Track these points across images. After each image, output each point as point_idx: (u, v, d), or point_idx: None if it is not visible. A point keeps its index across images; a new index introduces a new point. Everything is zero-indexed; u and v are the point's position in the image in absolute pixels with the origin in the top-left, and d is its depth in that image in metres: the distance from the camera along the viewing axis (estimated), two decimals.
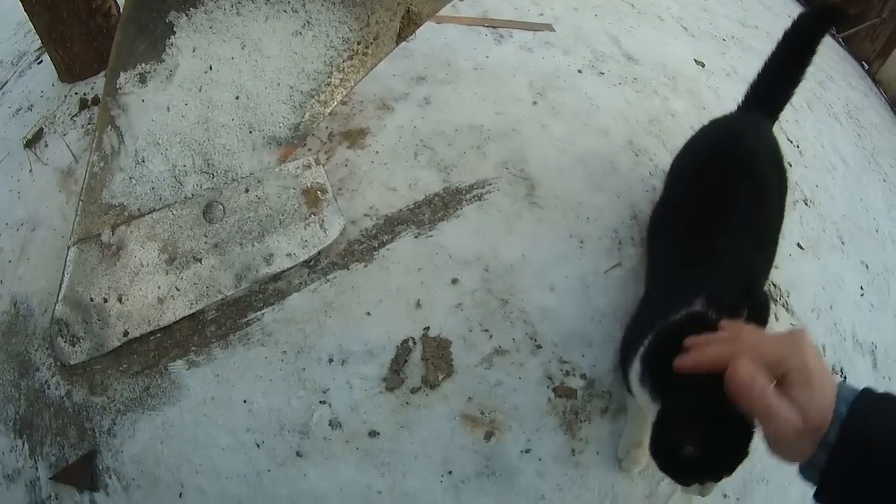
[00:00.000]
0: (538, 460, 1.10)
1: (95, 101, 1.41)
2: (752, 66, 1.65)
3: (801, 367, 0.59)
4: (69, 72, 1.43)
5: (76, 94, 1.43)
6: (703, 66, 1.54)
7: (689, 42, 1.61)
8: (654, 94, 1.41)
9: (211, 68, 1.16)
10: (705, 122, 1.32)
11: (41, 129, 1.41)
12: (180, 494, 1.11)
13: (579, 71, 1.38)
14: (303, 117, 1.15)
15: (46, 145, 1.40)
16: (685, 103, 1.42)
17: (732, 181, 1.02)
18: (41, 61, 1.55)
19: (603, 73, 1.40)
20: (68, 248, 1.21)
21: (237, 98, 1.15)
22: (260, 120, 1.15)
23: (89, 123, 1.40)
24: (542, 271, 1.16)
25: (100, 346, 1.20)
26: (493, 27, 1.40)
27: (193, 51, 1.16)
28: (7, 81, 1.60)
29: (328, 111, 1.15)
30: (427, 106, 1.26)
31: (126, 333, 1.18)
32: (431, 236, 1.14)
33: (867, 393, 0.59)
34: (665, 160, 1.34)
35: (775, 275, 1.31)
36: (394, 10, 1.19)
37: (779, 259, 1.32)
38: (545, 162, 1.24)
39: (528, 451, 1.10)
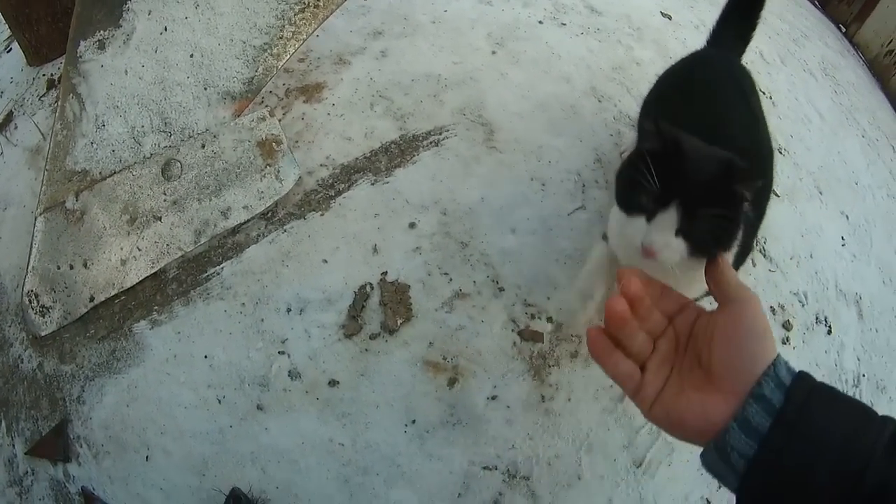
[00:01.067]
0: (506, 408, 1.06)
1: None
2: None
3: (746, 297, 0.55)
4: (37, 55, 1.46)
5: (44, 75, 1.45)
6: (669, 18, 1.51)
7: None
8: (617, 43, 1.38)
9: (166, 29, 1.17)
10: None
11: (11, 112, 1.43)
12: (147, 457, 1.10)
13: (540, 22, 1.36)
14: (256, 71, 1.15)
15: (16, 127, 1.42)
16: (651, 53, 1.39)
17: (715, 88, 0.98)
18: (10, 49, 1.58)
19: (564, 24, 1.38)
20: (35, 219, 1.22)
21: (192, 56, 1.16)
22: (214, 76, 1.15)
23: (56, 101, 1.42)
24: (502, 214, 1.13)
25: (68, 313, 1.20)
26: None
27: (149, 14, 1.17)
28: None
29: (281, 64, 1.15)
30: (384, 58, 1.25)
31: (92, 298, 1.18)
32: (388, 183, 1.13)
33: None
34: (630, 106, 1.31)
35: None
36: None
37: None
38: (504, 107, 1.22)
39: (494, 397, 1.06)
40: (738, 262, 0.86)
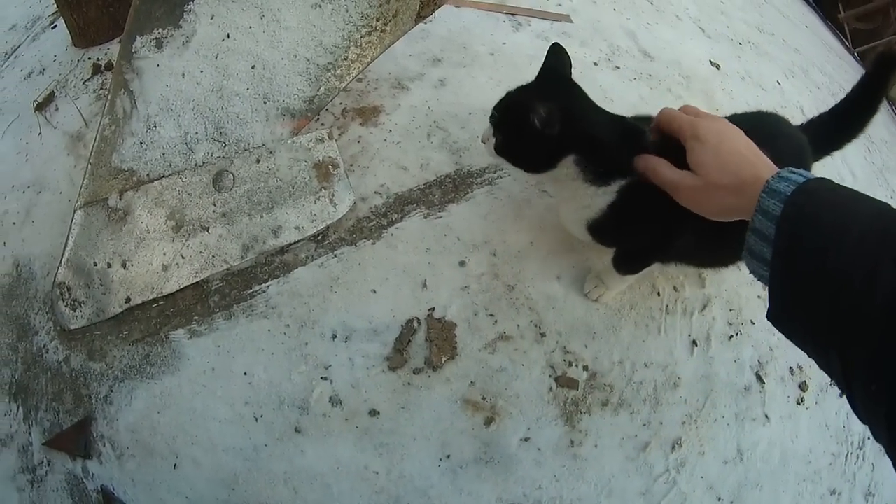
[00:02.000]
0: (537, 449, 1.10)
1: (109, 66, 1.39)
2: (766, 72, 1.66)
3: (692, 130, 0.76)
4: (83, 37, 1.42)
5: (89, 59, 1.41)
6: (718, 67, 1.53)
7: (706, 43, 1.60)
8: (668, 91, 1.40)
9: (228, 36, 1.15)
10: None
11: (52, 93, 1.40)
12: (175, 465, 1.10)
13: (595, 63, 1.37)
14: (318, 90, 1.14)
15: (57, 109, 1.39)
16: (699, 103, 1.40)
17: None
18: (55, 26, 1.53)
19: (619, 68, 1.39)
20: (74, 211, 1.20)
21: (253, 67, 1.14)
22: (275, 91, 1.14)
23: (101, 89, 1.38)
24: (548, 259, 1.15)
25: (101, 311, 1.19)
26: (511, 14, 1.39)
27: (211, 18, 1.15)
28: (20, 45, 1.58)
29: (344, 86, 1.14)
30: (442, 87, 1.25)
31: (128, 300, 1.17)
32: (441, 217, 1.13)
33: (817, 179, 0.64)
34: None
35: None
36: None
37: None
38: None
39: (527, 439, 1.09)
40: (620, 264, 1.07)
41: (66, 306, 1.20)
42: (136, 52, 1.19)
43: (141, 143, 1.17)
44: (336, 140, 1.16)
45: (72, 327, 1.20)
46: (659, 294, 1.21)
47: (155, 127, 1.16)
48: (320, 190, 1.11)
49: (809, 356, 0.61)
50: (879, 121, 2.11)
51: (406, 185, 1.15)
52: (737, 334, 1.24)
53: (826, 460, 1.28)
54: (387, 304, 1.08)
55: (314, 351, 1.07)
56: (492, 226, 1.14)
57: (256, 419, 1.07)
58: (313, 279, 1.09)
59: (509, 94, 0.93)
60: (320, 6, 1.15)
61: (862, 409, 0.52)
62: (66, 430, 1.20)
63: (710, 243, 0.97)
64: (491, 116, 0.94)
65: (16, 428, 1.25)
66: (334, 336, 1.07)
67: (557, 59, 0.94)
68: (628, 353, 1.16)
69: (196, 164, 1.14)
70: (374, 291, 1.09)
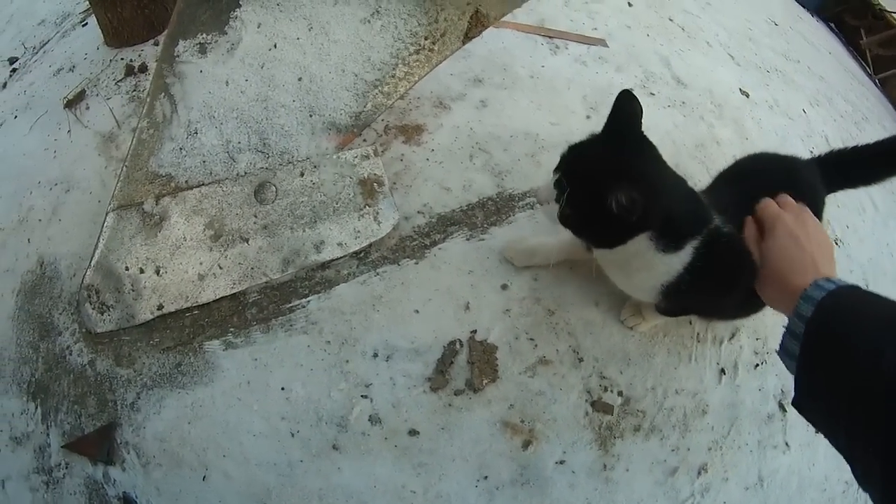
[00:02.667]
0: (571, 472, 1.11)
1: (142, 68, 1.37)
2: (793, 101, 1.71)
3: (771, 223, 0.86)
4: (116, 37, 1.39)
5: (122, 59, 1.39)
6: (747, 96, 1.57)
7: (735, 71, 1.64)
8: (700, 119, 1.43)
9: (275, 46, 1.14)
10: (748, 152, 1.34)
11: (83, 91, 1.37)
12: (204, 477, 1.09)
13: (632, 89, 1.39)
14: (364, 106, 1.14)
15: (88, 107, 1.36)
16: (730, 132, 1.44)
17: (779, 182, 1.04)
18: (86, 24, 1.50)
19: (654, 94, 1.42)
20: (106, 214, 1.18)
21: (300, 80, 1.14)
22: (321, 104, 1.13)
23: (135, 90, 1.36)
24: (587, 285, 1.17)
25: (130, 317, 1.17)
26: (549, 37, 1.40)
27: (258, 27, 1.14)
28: (49, 41, 1.55)
29: (390, 103, 1.14)
30: (484, 109, 1.26)
31: (160, 307, 1.16)
32: (483, 240, 1.14)
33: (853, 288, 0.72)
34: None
35: None
36: (463, 9, 1.18)
37: None
38: None
39: (562, 462, 1.10)
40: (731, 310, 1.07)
41: (94, 309, 1.18)
42: (178, 56, 1.17)
43: (181, 148, 1.16)
44: (380, 157, 1.16)
45: (98, 331, 1.18)
46: (691, 322, 1.23)
47: (196, 133, 1.15)
48: (365, 207, 1.11)
49: (827, 438, 0.66)
50: None
51: (449, 205, 1.15)
52: (762, 363, 1.27)
53: (840, 488, 1.32)
54: (429, 324, 1.08)
55: (355, 369, 1.06)
56: None
57: (293, 434, 1.07)
58: (355, 296, 1.09)
59: (579, 158, 0.86)
60: (369, 21, 1.15)
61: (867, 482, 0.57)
62: (89, 434, 1.18)
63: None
64: (556, 181, 0.85)
65: (32, 427, 1.23)
66: (376, 354, 1.07)
67: (628, 110, 0.86)
68: (661, 379, 1.18)
69: (238, 174, 1.13)
70: (417, 312, 1.09)
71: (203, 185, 1.14)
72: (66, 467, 1.18)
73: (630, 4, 1.61)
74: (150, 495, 1.12)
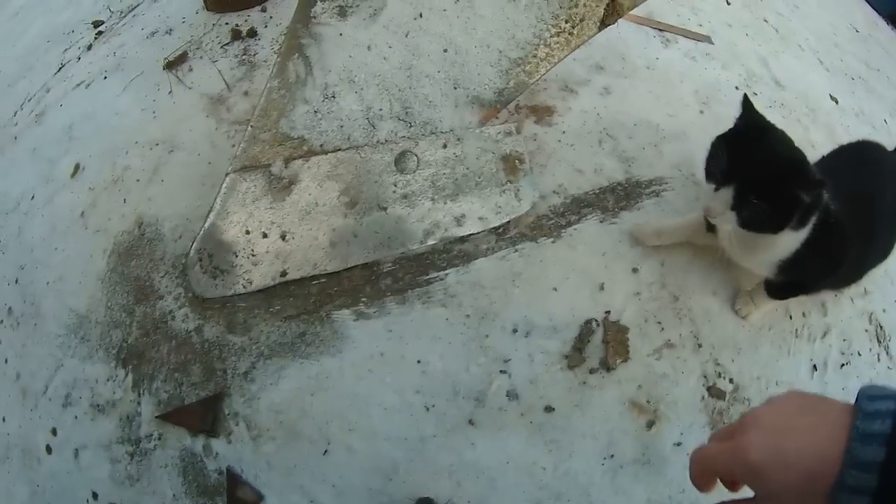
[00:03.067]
0: (686, 454, 1.14)
1: (251, 33, 1.33)
2: (876, 110, 1.78)
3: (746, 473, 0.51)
4: (219, 2, 1.34)
5: (227, 24, 1.35)
6: (836, 102, 1.63)
7: (825, 76, 1.70)
8: (797, 122, 1.48)
9: (421, 16, 1.13)
10: None
11: (185, 53, 1.31)
12: (325, 451, 1.08)
13: (737, 87, 1.44)
14: (507, 83, 1.14)
15: (191, 69, 1.31)
16: (822, 137, 1.50)
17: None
18: None
19: (756, 94, 1.46)
20: (226, 175, 1.14)
21: (445, 51, 1.13)
22: (466, 78, 1.13)
23: (244, 54, 1.32)
24: (707, 274, 1.20)
25: (248, 282, 1.14)
26: (659, 30, 1.43)
27: None
28: (138, 4, 1.48)
29: (531, 83, 1.15)
30: (608, 96, 1.28)
31: (284, 273, 1.13)
32: (615, 223, 1.16)
33: None
34: None
35: (882, 317, 1.41)
36: None
37: (887, 304, 1.44)
38: None
39: (679, 444, 1.14)
40: (829, 282, 1.13)
41: (205, 273, 1.14)
42: (314, 17, 1.14)
43: (315, 111, 1.13)
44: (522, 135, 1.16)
45: (209, 296, 1.14)
46: (791, 318, 1.28)
47: (333, 97, 1.12)
48: (506, 183, 1.11)
49: None
50: None
51: (582, 187, 1.16)
52: (847, 363, 1.34)
53: None
54: (567, 302, 1.10)
55: (494, 344, 1.07)
56: None
57: (427, 409, 1.06)
58: (495, 271, 1.09)
59: (746, 163, 0.89)
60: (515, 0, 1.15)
61: None
62: (191, 404, 1.14)
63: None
64: (734, 190, 0.87)
65: (120, 395, 1.18)
66: (515, 330, 1.08)
67: (756, 111, 0.94)
68: (765, 370, 1.23)
69: (378, 142, 1.11)
70: (555, 290, 1.10)
71: (340, 150, 1.12)
72: (159, 438, 1.14)
73: (728, 3, 1.66)
74: (258, 469, 1.09)
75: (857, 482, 0.44)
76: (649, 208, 1.20)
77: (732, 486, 0.51)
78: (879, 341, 1.40)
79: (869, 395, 0.48)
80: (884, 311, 1.42)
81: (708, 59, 1.45)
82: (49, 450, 1.22)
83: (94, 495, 1.16)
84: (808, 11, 1.95)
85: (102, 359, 1.20)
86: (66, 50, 1.57)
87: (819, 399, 0.52)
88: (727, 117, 1.38)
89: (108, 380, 1.19)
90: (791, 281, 1.11)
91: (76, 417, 1.19)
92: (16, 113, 1.53)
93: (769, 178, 0.87)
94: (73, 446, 1.19)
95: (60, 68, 1.54)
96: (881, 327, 1.41)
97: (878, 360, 1.40)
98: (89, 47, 1.53)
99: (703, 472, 0.54)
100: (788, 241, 0.96)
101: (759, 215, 0.88)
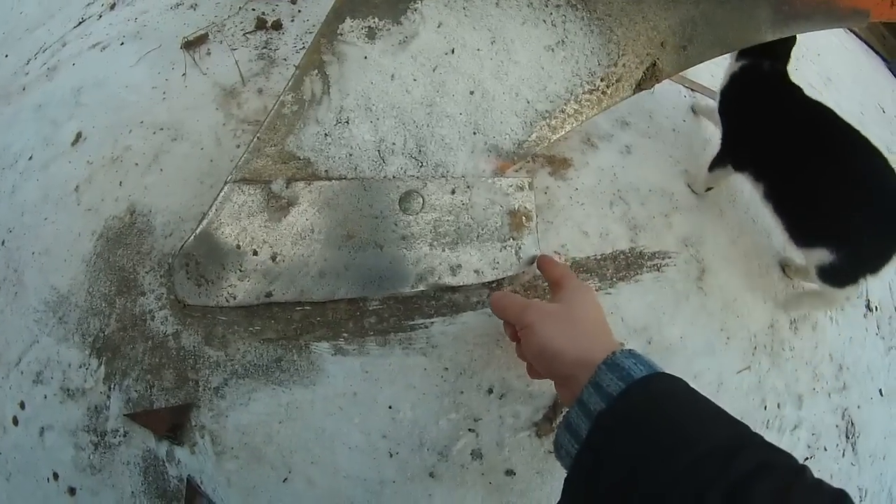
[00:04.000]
0: None
1: (276, 25, 1.26)
2: None
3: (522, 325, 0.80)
4: None
5: (253, 10, 1.27)
6: None
7: None
8: None
9: (453, 51, 1.07)
10: None
11: (206, 35, 1.24)
12: (285, 479, 1.07)
13: None
14: (529, 136, 1.09)
15: (209, 53, 1.24)
16: None
17: None
18: None
19: None
20: (225, 183, 1.09)
21: (472, 93, 1.07)
22: (488, 124, 1.08)
23: (265, 47, 1.25)
24: (690, 359, 1.18)
25: (231, 296, 1.10)
26: (692, 89, 1.37)
27: (438, 26, 1.06)
28: None
29: (554, 139, 1.10)
30: (628, 155, 1.23)
31: (269, 294, 1.09)
32: (610, 294, 1.13)
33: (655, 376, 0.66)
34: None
35: (855, 413, 1.40)
36: (642, 58, 1.14)
37: (862, 400, 1.43)
38: (717, 249, 1.25)
39: None
40: None
41: (189, 279, 1.11)
42: (341, 34, 1.08)
43: (326, 134, 1.07)
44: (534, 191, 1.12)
45: (191, 302, 1.11)
46: (766, 408, 1.27)
47: (347, 123, 1.07)
48: (509, 239, 1.07)
49: None
50: None
51: (584, 251, 1.13)
52: (811, 457, 1.33)
53: None
54: None
55: (468, 401, 1.05)
56: (652, 314, 1.15)
57: (391, 455, 1.05)
58: (481, 327, 1.07)
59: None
60: (553, 50, 1.09)
61: None
62: (161, 410, 1.12)
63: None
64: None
65: (91, 385, 1.16)
66: (490, 390, 1.06)
67: None
68: None
69: (385, 177, 1.06)
70: None
71: (345, 178, 1.07)
72: (125, 435, 1.13)
73: None
74: (218, 484, 1.08)
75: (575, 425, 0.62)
76: (648, 283, 1.16)
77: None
78: (848, 437, 1.40)
79: (614, 362, 0.65)
80: (858, 407, 1.41)
81: None
82: (15, 421, 1.20)
83: (55, 475, 1.16)
84: (842, 86, 1.88)
85: (77, 344, 1.17)
86: (89, 4, 1.49)
87: (599, 330, 0.80)
88: (741, 191, 1.35)
89: (80, 366, 1.17)
90: None
91: (45, 397, 1.17)
92: (29, 62, 1.46)
93: None
94: (39, 424, 1.18)
95: (80, 23, 1.46)
96: (852, 423, 1.41)
97: (843, 455, 1.40)
98: (112, 6, 1.45)
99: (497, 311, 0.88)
100: None
101: None
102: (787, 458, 0.51)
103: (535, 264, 1.08)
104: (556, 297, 0.85)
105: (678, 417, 0.52)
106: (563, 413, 0.61)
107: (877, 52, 2.34)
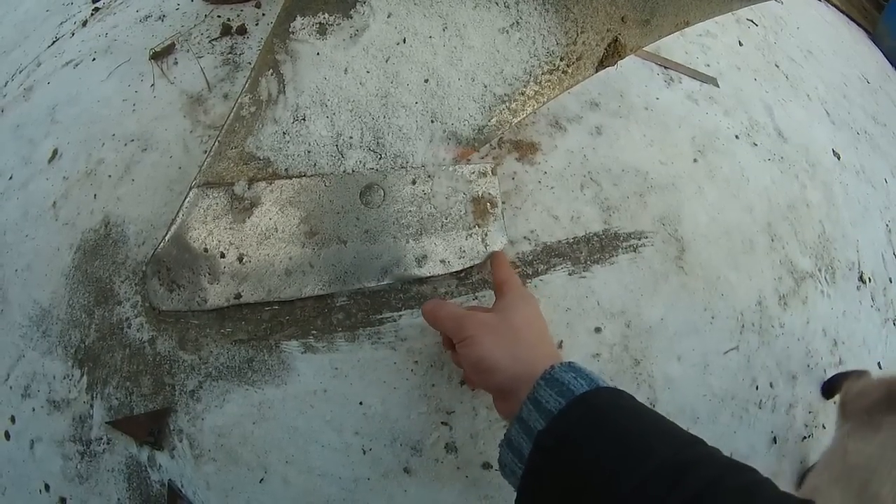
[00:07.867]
0: None
1: (241, 30, 1.22)
2: (877, 168, 1.64)
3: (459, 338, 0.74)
4: None
5: (219, 17, 1.23)
6: (839, 157, 1.49)
7: (830, 129, 1.55)
8: (795, 178, 1.35)
9: (404, 41, 1.01)
10: (833, 219, 1.28)
11: (173, 45, 1.21)
12: (261, 480, 1.02)
13: (736, 136, 1.30)
14: (489, 121, 1.03)
15: (176, 62, 1.21)
16: (819, 196, 1.37)
17: None
18: None
19: (756, 145, 1.33)
20: (190, 188, 1.06)
21: (426, 81, 1.02)
22: (445, 111, 1.02)
23: (230, 52, 1.21)
24: (673, 339, 1.11)
25: (202, 300, 1.06)
26: (665, 66, 1.29)
27: (388, 16, 1.01)
28: None
29: (515, 121, 1.03)
30: (598, 136, 1.16)
31: (238, 296, 1.05)
32: (584, 277, 1.06)
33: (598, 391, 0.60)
34: (794, 253, 1.30)
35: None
36: (603, 34, 1.07)
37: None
38: (696, 227, 1.17)
39: None
40: None
41: (162, 285, 1.07)
42: (293, 33, 1.03)
43: (284, 133, 1.03)
44: (497, 177, 1.06)
45: (164, 308, 1.08)
46: (757, 388, 1.19)
47: (303, 120, 1.03)
48: (474, 227, 1.01)
49: None
50: None
51: (555, 235, 1.06)
52: (809, 436, 1.25)
53: None
54: None
55: (439, 394, 0.99)
56: (630, 296, 1.08)
57: (364, 451, 1.00)
58: None
59: None
60: (507, 32, 1.03)
61: None
62: (140, 416, 1.10)
63: None
64: None
65: (75, 395, 1.14)
66: (462, 382, 1.00)
67: None
68: (720, 441, 1.14)
69: (345, 171, 1.02)
70: None
71: (305, 176, 1.03)
72: (108, 443, 1.10)
73: (741, 44, 1.50)
74: (197, 487, 1.05)
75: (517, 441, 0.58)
76: (623, 265, 1.09)
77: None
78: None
79: (553, 377, 0.59)
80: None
81: (710, 102, 1.32)
82: (7, 436, 1.19)
83: (47, 487, 1.14)
84: (822, 58, 1.77)
85: (61, 356, 1.15)
86: (62, 23, 1.48)
87: (540, 342, 0.72)
88: (720, 167, 1.27)
89: (64, 378, 1.15)
90: None
91: (34, 410, 1.15)
92: (6, 83, 1.46)
93: None
94: (29, 437, 1.16)
95: (54, 42, 1.45)
96: None
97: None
98: (84, 23, 1.44)
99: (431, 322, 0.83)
100: None
101: None
102: (748, 473, 0.44)
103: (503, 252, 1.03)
104: (496, 305, 0.79)
105: (620, 435, 0.46)
106: (505, 430, 0.57)
107: (858, 24, 2.22)
